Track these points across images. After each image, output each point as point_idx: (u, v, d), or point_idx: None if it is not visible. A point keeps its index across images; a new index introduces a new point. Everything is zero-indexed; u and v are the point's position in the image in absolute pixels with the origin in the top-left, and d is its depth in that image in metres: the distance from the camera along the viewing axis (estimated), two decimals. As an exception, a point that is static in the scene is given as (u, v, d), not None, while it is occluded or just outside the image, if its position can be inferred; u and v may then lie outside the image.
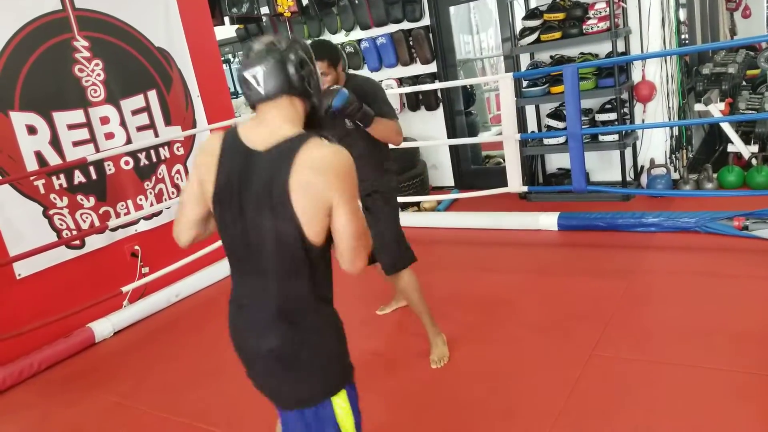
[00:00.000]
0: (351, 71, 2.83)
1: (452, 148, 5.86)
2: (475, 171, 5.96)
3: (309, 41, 2.80)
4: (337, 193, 1.36)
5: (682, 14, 4.87)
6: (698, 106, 4.66)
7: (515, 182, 4.36)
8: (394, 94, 5.76)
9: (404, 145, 5.42)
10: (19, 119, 3.65)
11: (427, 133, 5.84)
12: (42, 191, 3.74)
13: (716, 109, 4.50)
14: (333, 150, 1.38)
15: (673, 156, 4.78)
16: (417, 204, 5.39)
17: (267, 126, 1.44)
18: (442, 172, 5.99)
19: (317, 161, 1.36)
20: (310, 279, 1.44)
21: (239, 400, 2.81)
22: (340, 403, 1.53)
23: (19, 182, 3.62)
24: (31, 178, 3.67)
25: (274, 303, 1.45)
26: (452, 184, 5.97)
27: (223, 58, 6.36)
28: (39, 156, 3.73)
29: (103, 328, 3.78)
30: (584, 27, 4.52)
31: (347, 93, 2.45)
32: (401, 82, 5.79)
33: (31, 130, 3.70)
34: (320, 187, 1.35)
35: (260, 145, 1.42)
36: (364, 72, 5.98)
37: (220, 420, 2.68)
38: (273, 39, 1.45)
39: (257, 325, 1.48)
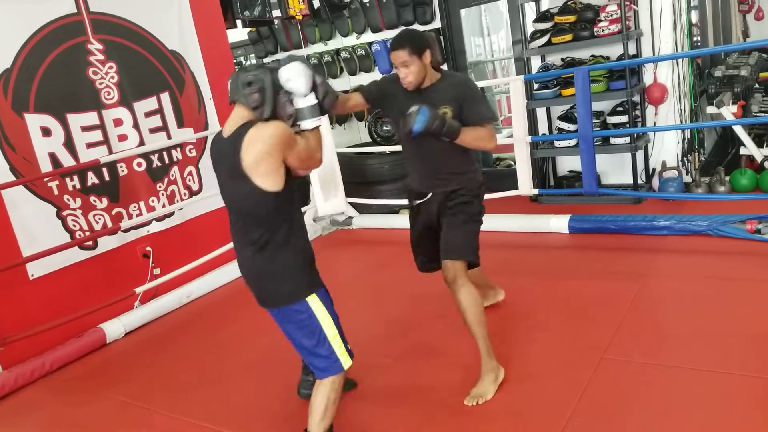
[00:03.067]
0: (444, 69, 2.70)
1: (462, 150, 5.85)
2: (486, 173, 5.89)
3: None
4: (281, 150, 1.98)
5: (694, 16, 4.85)
6: (710, 109, 4.63)
7: (526, 185, 4.35)
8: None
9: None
10: (34, 121, 3.69)
11: (438, 136, 5.83)
12: (56, 192, 3.78)
13: (728, 111, 4.47)
14: (268, 124, 2.00)
15: (685, 159, 4.75)
16: (427, 206, 5.38)
17: (230, 122, 2.07)
18: (452, 174, 5.98)
19: (257, 133, 1.97)
20: (268, 220, 2.05)
21: (249, 402, 2.82)
22: (316, 302, 2.11)
23: (34, 183, 3.66)
24: (45, 179, 3.71)
25: (249, 238, 2.09)
26: (462, 186, 5.95)
27: (235, 61, 6.39)
28: (53, 157, 3.77)
29: (114, 328, 3.81)
30: (595, 29, 4.50)
31: (427, 114, 2.32)
32: (412, 84, 5.79)
33: (46, 131, 3.74)
34: (261, 150, 1.96)
35: (226, 133, 2.06)
36: (375, 75, 5.99)
37: (229, 421, 2.69)
38: (249, 65, 2.01)
39: (241, 253, 2.17)
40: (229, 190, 2.11)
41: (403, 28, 2.86)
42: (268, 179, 1.99)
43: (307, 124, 2.12)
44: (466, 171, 2.67)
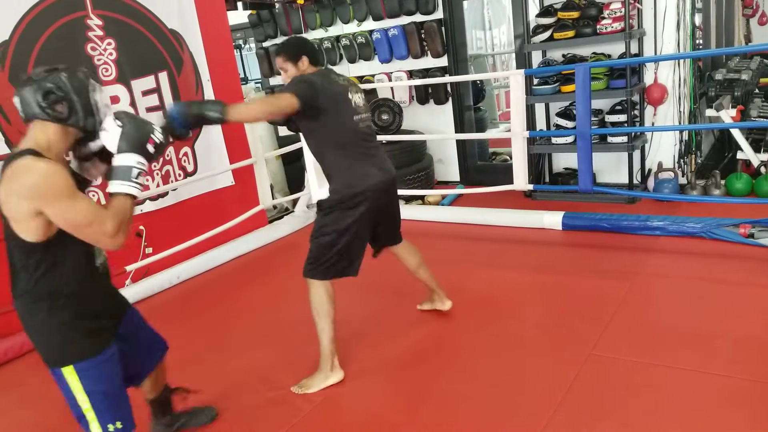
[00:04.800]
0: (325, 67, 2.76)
1: (459, 143, 5.85)
2: (481, 167, 5.95)
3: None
4: (33, 200, 1.60)
5: (698, 19, 4.84)
6: (709, 112, 4.63)
7: (521, 180, 4.35)
8: (403, 86, 5.76)
9: (411, 138, 5.45)
10: (30, 95, 3.65)
11: (435, 127, 5.83)
12: (49, 167, 3.75)
13: (727, 115, 4.48)
14: (37, 165, 1.62)
15: (682, 161, 4.76)
16: (421, 197, 5.39)
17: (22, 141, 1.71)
18: (448, 166, 5.99)
19: (12, 174, 1.62)
20: (26, 270, 1.74)
21: (234, 381, 2.82)
22: (70, 375, 1.81)
23: (27, 157, 3.63)
24: (40, 154, 3.68)
25: (12, 279, 1.80)
26: (458, 179, 5.96)
27: (234, 44, 6.35)
28: (48, 132, 3.74)
29: (104, 306, 3.79)
30: (598, 27, 4.49)
31: (178, 107, 2.35)
32: (411, 74, 5.77)
33: (41, 106, 3.70)
34: (15, 195, 1.62)
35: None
36: (374, 63, 5.97)
37: (215, 401, 2.69)
38: (36, 71, 1.73)
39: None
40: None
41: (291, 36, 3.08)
42: (20, 225, 1.66)
43: (115, 185, 1.73)
44: (329, 177, 2.67)
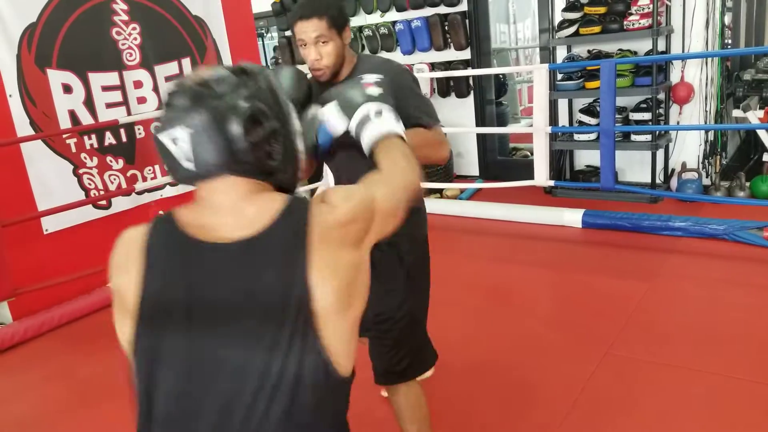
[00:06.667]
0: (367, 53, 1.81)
1: (480, 137, 5.81)
2: (501, 162, 5.91)
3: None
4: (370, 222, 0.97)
5: (727, 18, 4.75)
6: (736, 112, 4.55)
7: (542, 176, 4.31)
8: (425, 78, 5.73)
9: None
10: (56, 77, 3.70)
11: (456, 121, 5.79)
12: (73, 150, 3.80)
13: (754, 116, 4.39)
14: (355, 187, 0.98)
15: (706, 161, 4.69)
16: (440, 191, 5.37)
17: (223, 209, 0.96)
18: (468, 160, 5.95)
19: (341, 213, 0.91)
20: None
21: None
22: None
23: (52, 139, 3.68)
24: (64, 136, 3.73)
25: None
26: (477, 173, 5.93)
27: (257, 33, 6.36)
28: (72, 115, 3.79)
29: (123, 288, 3.84)
30: (625, 23, 4.43)
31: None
32: (433, 66, 5.74)
33: (67, 88, 3.75)
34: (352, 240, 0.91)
35: (228, 235, 0.93)
36: (397, 55, 5.94)
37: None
38: (211, 75, 0.94)
39: None
40: (225, 361, 0.91)
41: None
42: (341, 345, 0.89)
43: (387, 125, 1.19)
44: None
